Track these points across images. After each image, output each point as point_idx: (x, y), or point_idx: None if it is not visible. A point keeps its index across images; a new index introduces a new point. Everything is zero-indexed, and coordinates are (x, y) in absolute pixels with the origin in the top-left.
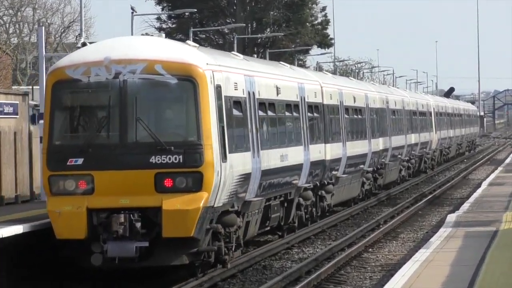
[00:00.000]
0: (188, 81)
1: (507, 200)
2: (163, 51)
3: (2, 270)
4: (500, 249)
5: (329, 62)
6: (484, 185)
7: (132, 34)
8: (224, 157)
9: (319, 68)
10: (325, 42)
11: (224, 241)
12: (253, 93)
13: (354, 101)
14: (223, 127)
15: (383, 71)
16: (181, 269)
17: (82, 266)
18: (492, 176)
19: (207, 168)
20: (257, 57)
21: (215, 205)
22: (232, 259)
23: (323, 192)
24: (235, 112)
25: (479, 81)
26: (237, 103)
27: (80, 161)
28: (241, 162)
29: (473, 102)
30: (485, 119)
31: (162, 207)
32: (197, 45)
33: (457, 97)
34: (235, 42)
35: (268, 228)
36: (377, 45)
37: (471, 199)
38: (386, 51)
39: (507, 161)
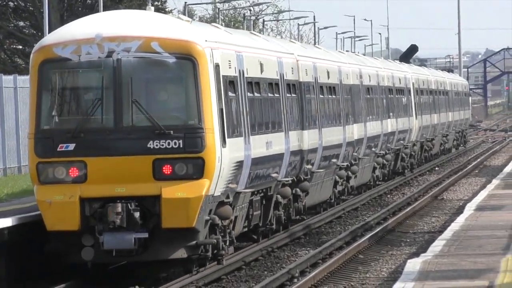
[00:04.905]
0: (187, 59)
1: (507, 235)
2: (158, 27)
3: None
4: None
5: (206, 3)
6: (469, 209)
7: None
8: (223, 142)
9: (189, 15)
10: None
11: (219, 235)
12: (243, 71)
13: (328, 77)
14: (221, 109)
15: (298, 18)
16: (173, 265)
17: (71, 261)
18: (483, 194)
19: (209, 154)
20: None
21: (214, 195)
22: (227, 255)
23: (298, 190)
24: (230, 93)
25: (459, 33)
26: (231, 83)
27: (71, 146)
28: (237, 148)
29: (450, 70)
30: (470, 98)
31: (162, 196)
32: (190, 19)
33: (423, 62)
34: None
35: (248, 228)
36: None
37: (448, 233)
38: None
39: (508, 169)
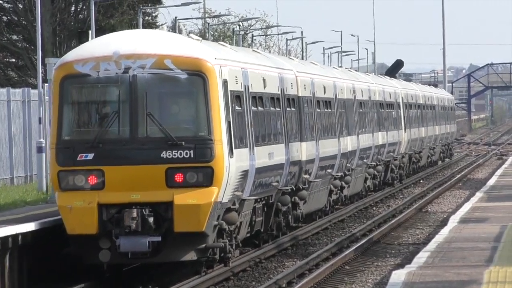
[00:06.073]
0: (198, 76)
1: (490, 247)
2: (171, 45)
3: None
4: None
5: (196, 18)
6: (453, 222)
7: None
8: (231, 153)
9: (178, 30)
10: None
11: (226, 239)
12: (248, 86)
13: (324, 92)
14: (229, 122)
15: (286, 33)
16: (183, 267)
17: (89, 262)
18: (466, 207)
19: (218, 163)
20: (75, 9)
21: (222, 201)
22: (233, 258)
23: (296, 198)
24: (236, 107)
25: (444, 49)
26: (238, 97)
27: (90, 156)
28: (242, 158)
29: (435, 85)
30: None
31: (174, 202)
32: (200, 38)
33: (408, 77)
34: None
35: (250, 233)
36: None
37: (432, 245)
38: (289, 1)
39: (491, 182)
